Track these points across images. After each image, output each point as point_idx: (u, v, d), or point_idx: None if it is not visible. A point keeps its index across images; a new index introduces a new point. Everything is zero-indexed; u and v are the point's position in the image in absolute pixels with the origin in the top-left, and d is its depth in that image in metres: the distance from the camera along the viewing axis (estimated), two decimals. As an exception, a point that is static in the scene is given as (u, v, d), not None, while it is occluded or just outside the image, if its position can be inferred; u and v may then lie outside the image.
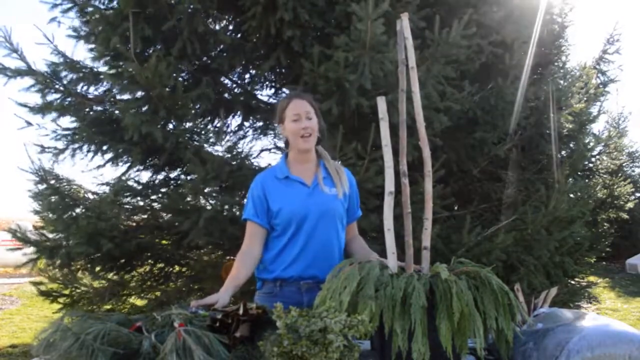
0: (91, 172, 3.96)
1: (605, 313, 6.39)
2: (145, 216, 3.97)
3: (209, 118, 4.26)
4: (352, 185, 2.00)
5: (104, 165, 3.93)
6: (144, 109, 3.40)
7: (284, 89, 4.44)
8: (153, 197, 3.97)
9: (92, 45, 3.77)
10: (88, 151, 3.87)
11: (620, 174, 10.87)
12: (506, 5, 3.98)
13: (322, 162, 1.97)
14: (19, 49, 3.64)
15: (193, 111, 3.62)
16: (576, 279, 4.87)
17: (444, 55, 3.30)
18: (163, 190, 4.05)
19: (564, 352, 1.41)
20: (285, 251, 1.88)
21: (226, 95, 4.23)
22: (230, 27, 4.16)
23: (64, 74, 3.80)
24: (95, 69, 3.86)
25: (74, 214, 3.60)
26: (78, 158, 3.87)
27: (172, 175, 4.21)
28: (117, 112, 3.66)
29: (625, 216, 9.89)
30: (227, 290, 1.72)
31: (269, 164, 3.99)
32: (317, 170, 1.94)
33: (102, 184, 3.91)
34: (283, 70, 4.20)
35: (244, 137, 4.75)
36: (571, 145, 5.22)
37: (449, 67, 3.37)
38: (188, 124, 3.66)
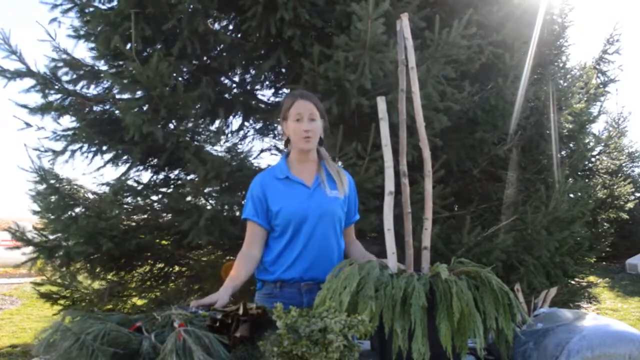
0: (91, 173, 3.96)
1: (605, 313, 6.40)
2: (145, 216, 3.97)
3: (209, 118, 4.26)
4: (351, 189, 2.00)
5: (104, 165, 3.93)
6: (145, 108, 3.40)
7: (284, 89, 4.44)
8: (153, 197, 3.97)
9: (93, 45, 3.78)
10: (88, 151, 3.87)
11: (620, 174, 10.87)
12: (506, 5, 3.98)
13: (323, 163, 1.96)
14: (17, 51, 3.65)
15: (193, 111, 3.62)
16: (576, 279, 4.87)
17: (444, 55, 3.30)
18: (163, 190, 4.05)
19: (564, 352, 1.41)
20: (285, 253, 1.87)
21: (226, 95, 4.22)
22: (231, 27, 4.16)
23: (64, 70, 3.80)
24: (96, 67, 3.87)
25: (73, 213, 3.60)
26: (78, 158, 3.88)
27: (172, 175, 4.21)
28: (117, 112, 3.66)
29: (625, 216, 9.89)
30: (227, 290, 1.71)
31: (269, 164, 4.00)
32: (319, 170, 1.94)
33: (102, 184, 3.92)
34: (283, 70, 4.21)
35: (244, 137, 4.76)
36: (571, 145, 5.22)
37: (449, 67, 3.37)
38: (188, 124, 3.67)
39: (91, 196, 3.79)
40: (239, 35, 3.97)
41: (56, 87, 3.77)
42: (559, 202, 3.71)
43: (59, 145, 3.83)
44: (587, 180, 6.66)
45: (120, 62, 3.66)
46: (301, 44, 3.44)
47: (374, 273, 1.44)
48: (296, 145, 1.90)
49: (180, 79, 3.87)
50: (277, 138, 4.69)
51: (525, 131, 4.25)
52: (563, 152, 5.07)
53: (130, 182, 3.95)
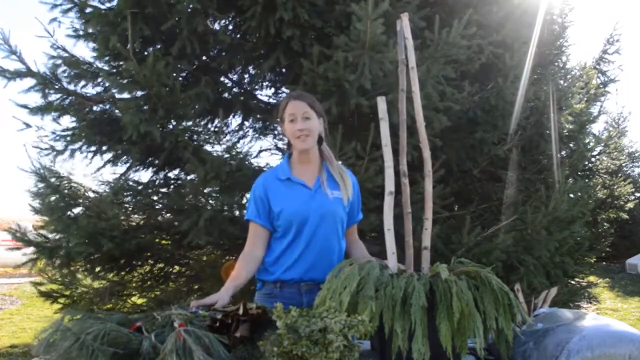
0: (91, 172, 3.96)
1: (605, 313, 6.40)
2: (145, 216, 3.97)
3: (209, 118, 4.26)
4: (355, 189, 2.00)
5: (103, 165, 3.93)
6: (143, 108, 3.40)
7: (284, 89, 4.44)
8: (153, 197, 3.97)
9: (92, 45, 3.78)
10: (87, 151, 3.87)
11: (620, 174, 10.87)
12: (506, 6, 3.98)
13: (325, 163, 1.96)
14: (17, 51, 3.64)
15: (192, 111, 3.61)
16: (576, 279, 4.87)
17: (444, 55, 3.30)
18: (163, 190, 4.05)
19: (564, 352, 1.41)
20: (286, 253, 1.88)
21: (226, 95, 4.23)
22: (230, 27, 4.16)
23: (62, 69, 3.79)
24: (95, 66, 3.86)
25: (73, 214, 3.60)
26: (77, 158, 3.88)
27: (172, 175, 4.21)
28: (116, 111, 3.66)
29: (625, 216, 9.89)
30: (227, 291, 1.72)
31: (269, 164, 4.00)
32: (320, 171, 1.94)
33: (102, 184, 3.92)
34: (283, 70, 4.20)
35: (244, 137, 4.76)
36: (571, 145, 5.22)
37: (449, 67, 3.37)
38: (187, 124, 3.66)
39: (91, 195, 3.78)
40: (239, 35, 3.97)
41: (56, 87, 3.76)
42: (559, 202, 3.71)
43: (58, 145, 3.84)
44: (587, 180, 6.67)
45: (120, 62, 3.66)
46: (300, 44, 3.44)
47: (374, 273, 1.44)
48: (294, 146, 1.91)
49: (179, 78, 3.87)
50: (276, 138, 4.70)
51: (525, 131, 4.25)
52: (563, 152, 5.07)
53: (130, 182, 3.95)
